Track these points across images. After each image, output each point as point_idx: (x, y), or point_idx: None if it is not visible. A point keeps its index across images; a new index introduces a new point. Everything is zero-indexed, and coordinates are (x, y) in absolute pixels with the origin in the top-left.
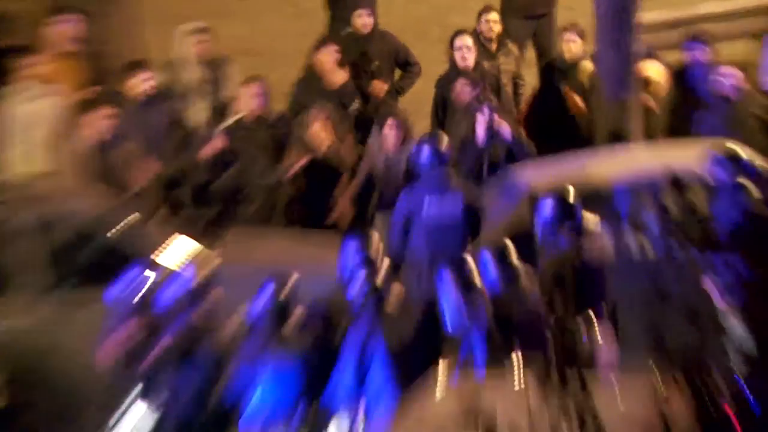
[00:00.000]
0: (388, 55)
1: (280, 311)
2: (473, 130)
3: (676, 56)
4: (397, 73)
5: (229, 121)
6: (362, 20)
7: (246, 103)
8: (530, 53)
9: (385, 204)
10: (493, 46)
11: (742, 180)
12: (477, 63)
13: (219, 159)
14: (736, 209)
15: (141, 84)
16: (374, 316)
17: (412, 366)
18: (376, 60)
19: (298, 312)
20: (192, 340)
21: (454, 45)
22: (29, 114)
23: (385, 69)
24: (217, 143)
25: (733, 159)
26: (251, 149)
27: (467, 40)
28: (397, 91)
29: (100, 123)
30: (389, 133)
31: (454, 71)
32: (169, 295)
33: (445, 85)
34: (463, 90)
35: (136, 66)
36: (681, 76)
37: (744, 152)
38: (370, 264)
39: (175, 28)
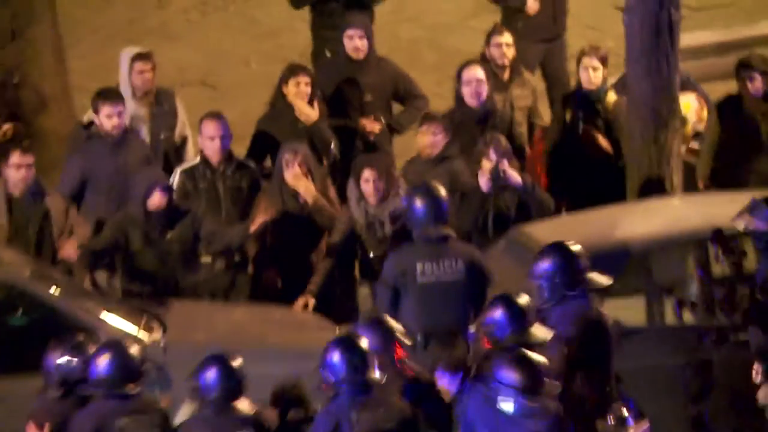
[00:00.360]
0: (384, 87)
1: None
2: (476, 177)
3: (724, 87)
4: (396, 108)
5: (181, 167)
6: (354, 43)
7: (203, 146)
8: (538, 83)
9: (367, 269)
10: (506, 75)
11: None
12: (487, 97)
13: (166, 214)
14: None
15: (107, 121)
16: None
17: None
18: (369, 93)
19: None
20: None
21: (463, 78)
22: None
23: (379, 104)
24: (158, 199)
25: None
26: (208, 201)
27: (479, 72)
28: (394, 129)
29: (14, 174)
30: (367, 186)
31: (461, 109)
32: (97, 378)
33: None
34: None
35: (104, 97)
36: (730, 110)
37: None
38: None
39: (109, 51)
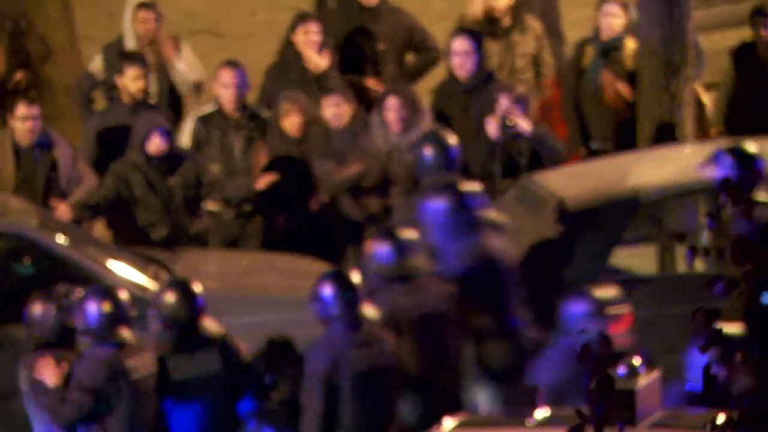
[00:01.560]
0: (397, 37)
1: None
2: (482, 123)
3: (736, 35)
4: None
5: (196, 114)
6: None
7: (218, 94)
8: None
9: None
10: (506, 22)
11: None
12: (479, 68)
13: (167, 158)
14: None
15: (132, 83)
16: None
17: None
18: (383, 42)
19: None
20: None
21: (450, 49)
22: None
23: (392, 54)
24: (158, 143)
25: (744, 159)
26: (221, 149)
27: (466, 44)
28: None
29: (21, 125)
30: (389, 114)
31: (450, 80)
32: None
33: (441, 99)
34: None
35: (133, 59)
36: (745, 57)
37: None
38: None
39: (110, 1)
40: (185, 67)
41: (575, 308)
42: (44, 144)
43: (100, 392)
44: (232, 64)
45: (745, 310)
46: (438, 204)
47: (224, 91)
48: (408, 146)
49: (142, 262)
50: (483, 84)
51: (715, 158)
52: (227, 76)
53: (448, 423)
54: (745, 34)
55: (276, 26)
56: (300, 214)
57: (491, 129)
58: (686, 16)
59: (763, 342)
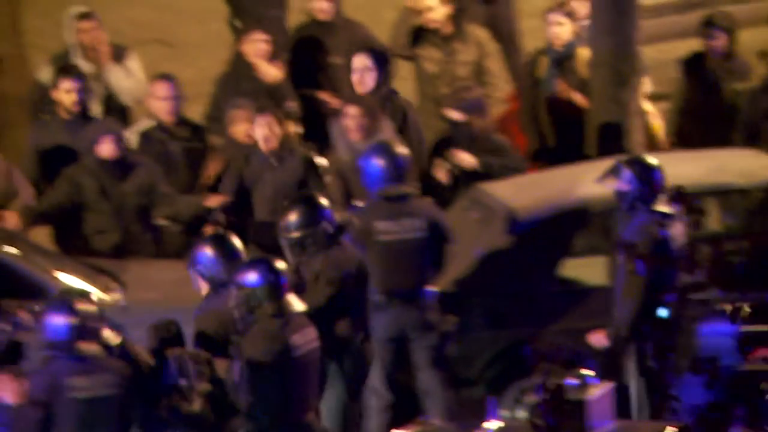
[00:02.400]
0: (353, 51)
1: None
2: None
3: (684, 45)
4: None
5: (137, 128)
6: (319, 4)
7: (154, 108)
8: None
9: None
10: (446, 29)
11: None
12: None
13: (119, 164)
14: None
15: (65, 96)
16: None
17: None
18: (337, 55)
19: None
20: None
21: (351, 65)
22: None
23: (348, 67)
24: (109, 147)
25: (643, 172)
26: (164, 163)
27: (365, 60)
28: None
29: None
30: (350, 122)
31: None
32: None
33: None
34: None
35: (67, 72)
36: (694, 67)
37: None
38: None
39: (65, 9)
40: (121, 76)
41: None
42: None
43: (48, 407)
44: (165, 77)
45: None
46: (294, 220)
47: (160, 103)
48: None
49: (92, 273)
50: (384, 101)
51: (614, 171)
52: (162, 89)
53: None
54: (693, 44)
55: (226, 35)
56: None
57: (441, 175)
58: (635, 27)
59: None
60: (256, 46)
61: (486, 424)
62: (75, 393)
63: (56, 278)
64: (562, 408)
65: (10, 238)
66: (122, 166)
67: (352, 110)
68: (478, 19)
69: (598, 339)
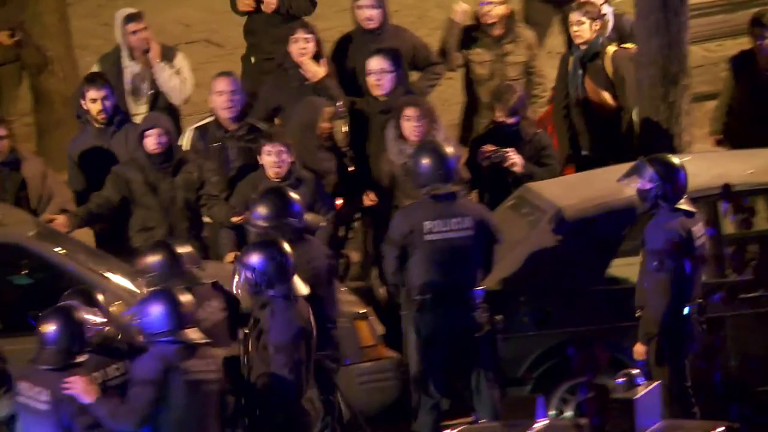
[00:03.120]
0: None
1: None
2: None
3: (733, 44)
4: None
5: (195, 125)
6: (364, 13)
7: (214, 104)
8: (555, 42)
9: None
10: (496, 32)
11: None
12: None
13: (167, 158)
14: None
15: (92, 105)
16: None
17: None
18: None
19: None
20: None
21: (366, 68)
22: None
23: None
24: (155, 140)
25: (666, 171)
26: (218, 160)
27: (382, 63)
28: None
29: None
30: (407, 123)
31: (367, 98)
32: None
33: (356, 118)
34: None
35: (92, 81)
36: (744, 66)
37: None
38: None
39: (112, 10)
40: (169, 75)
41: None
42: (12, 163)
43: (157, 384)
44: (226, 73)
45: None
46: (262, 211)
47: (218, 98)
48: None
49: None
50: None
51: (637, 170)
52: (222, 84)
53: None
54: (741, 43)
55: None
56: None
57: (483, 162)
58: (684, 26)
59: None
60: (301, 45)
61: (534, 424)
62: (186, 376)
63: (104, 276)
64: (608, 407)
65: (59, 238)
66: (170, 160)
67: (411, 112)
68: (548, 22)
69: (639, 353)
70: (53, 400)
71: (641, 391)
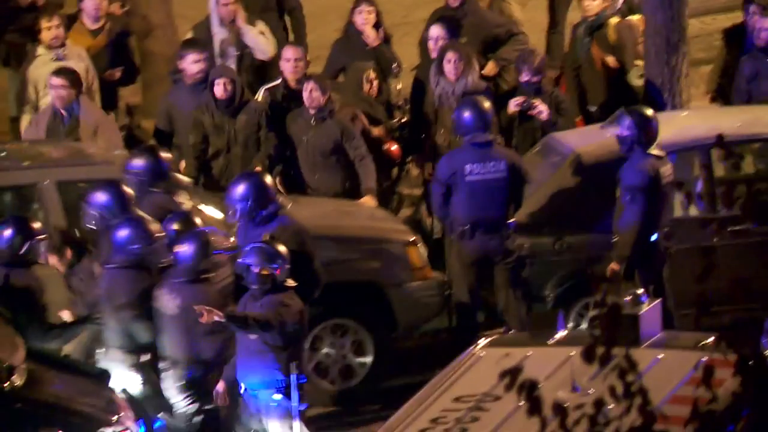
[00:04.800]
0: (480, 31)
1: None
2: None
3: (727, 18)
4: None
5: (265, 86)
6: None
7: (282, 68)
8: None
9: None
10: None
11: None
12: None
13: (231, 103)
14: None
15: (191, 66)
16: None
17: None
18: (465, 35)
19: None
20: None
21: (429, 34)
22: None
23: (474, 45)
24: (222, 87)
25: (641, 120)
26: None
27: (440, 31)
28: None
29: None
30: (448, 65)
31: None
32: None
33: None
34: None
35: (188, 46)
36: (734, 37)
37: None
38: None
39: None
40: (256, 33)
41: None
42: (72, 109)
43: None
44: (293, 42)
45: None
46: (139, 164)
47: (286, 64)
48: (459, 91)
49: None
50: None
51: (617, 119)
52: (290, 52)
53: (483, 341)
54: (732, 17)
55: (339, 7)
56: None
57: (512, 105)
58: (684, 2)
59: None
60: (363, 16)
61: (556, 334)
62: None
63: (197, 208)
64: (618, 321)
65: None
66: (233, 103)
67: (451, 55)
68: None
69: (613, 270)
70: (182, 306)
71: (645, 308)
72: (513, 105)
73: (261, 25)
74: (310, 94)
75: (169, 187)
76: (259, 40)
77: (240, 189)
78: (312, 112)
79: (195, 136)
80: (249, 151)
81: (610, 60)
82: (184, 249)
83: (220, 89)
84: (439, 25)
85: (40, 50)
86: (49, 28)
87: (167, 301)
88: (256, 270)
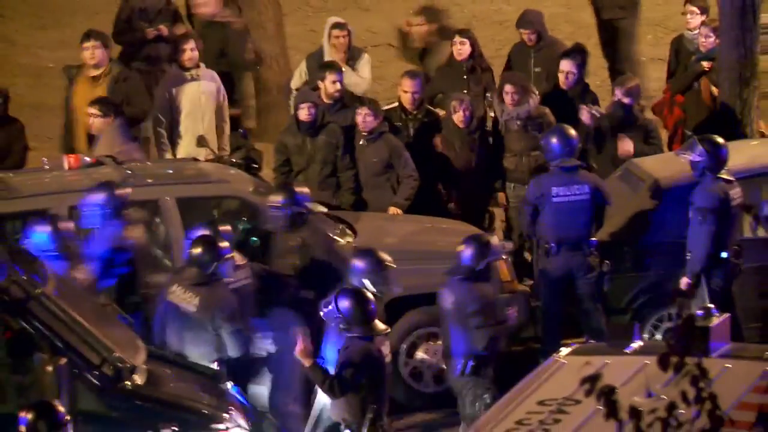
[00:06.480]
0: (550, 64)
1: None
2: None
3: None
4: None
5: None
6: (528, 36)
7: (401, 96)
8: None
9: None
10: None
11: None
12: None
13: (312, 125)
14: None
15: (330, 86)
16: None
17: None
18: (539, 66)
19: None
20: None
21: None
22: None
23: (544, 75)
24: (305, 112)
25: (712, 147)
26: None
27: (570, 65)
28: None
29: None
30: (506, 96)
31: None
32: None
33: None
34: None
35: (327, 68)
36: None
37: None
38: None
39: (318, 19)
40: (350, 74)
41: None
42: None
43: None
44: (412, 75)
45: None
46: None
47: (404, 95)
48: (520, 115)
49: (332, 222)
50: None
51: (690, 146)
52: (407, 85)
53: (565, 350)
54: None
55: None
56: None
57: (584, 118)
58: (756, 41)
59: None
60: (458, 48)
61: (632, 344)
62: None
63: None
64: (691, 332)
65: (269, 190)
66: (315, 126)
67: (507, 87)
68: None
69: (684, 284)
70: (202, 305)
71: (715, 321)
72: (584, 114)
73: (363, 60)
74: (364, 118)
75: (125, 220)
76: (353, 79)
77: None
78: (364, 134)
79: (276, 160)
80: (325, 169)
81: (717, 92)
82: (198, 251)
83: (303, 113)
84: (570, 58)
85: (176, 70)
86: (184, 51)
87: (187, 300)
88: None
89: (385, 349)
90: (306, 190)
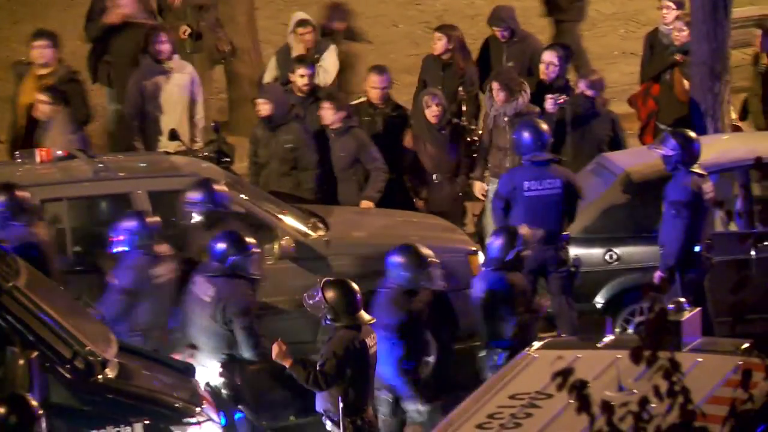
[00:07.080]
0: (523, 57)
1: None
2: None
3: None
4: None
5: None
6: (501, 33)
7: (368, 92)
8: None
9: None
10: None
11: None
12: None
13: (271, 120)
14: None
15: (299, 80)
16: None
17: None
18: (512, 62)
19: None
20: None
21: (542, 58)
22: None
23: (517, 69)
24: (262, 106)
25: (685, 141)
26: (368, 132)
27: (553, 56)
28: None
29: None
30: (495, 93)
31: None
32: None
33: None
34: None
35: (297, 62)
36: None
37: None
38: None
39: (289, 13)
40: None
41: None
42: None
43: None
44: (379, 70)
45: None
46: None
47: (373, 92)
48: (509, 111)
49: (305, 215)
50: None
51: (662, 139)
52: (374, 80)
53: (537, 344)
54: None
55: (411, 35)
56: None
57: (548, 105)
58: (727, 35)
59: None
60: (435, 43)
61: (604, 338)
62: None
63: (278, 218)
64: (663, 326)
65: (243, 186)
66: (275, 122)
67: (495, 84)
68: None
69: (657, 278)
70: (216, 296)
71: (687, 315)
72: (548, 103)
73: (329, 53)
74: (326, 112)
75: (30, 221)
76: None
77: None
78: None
79: (249, 150)
80: (283, 166)
81: (689, 85)
82: (219, 245)
83: (264, 108)
84: (554, 49)
85: (149, 62)
86: (156, 43)
87: (203, 290)
88: None
89: (371, 341)
90: (225, 189)
